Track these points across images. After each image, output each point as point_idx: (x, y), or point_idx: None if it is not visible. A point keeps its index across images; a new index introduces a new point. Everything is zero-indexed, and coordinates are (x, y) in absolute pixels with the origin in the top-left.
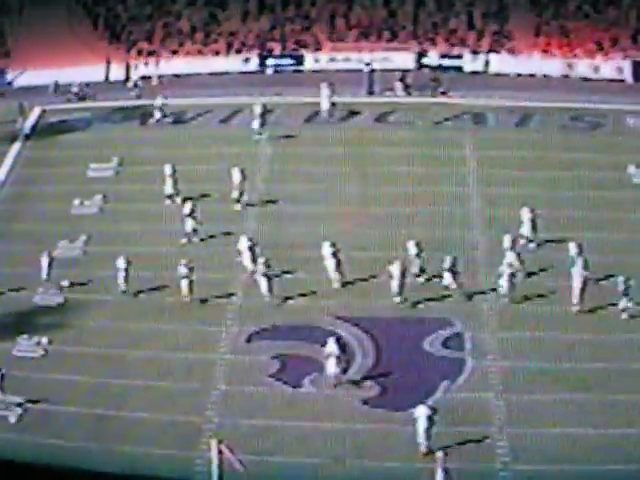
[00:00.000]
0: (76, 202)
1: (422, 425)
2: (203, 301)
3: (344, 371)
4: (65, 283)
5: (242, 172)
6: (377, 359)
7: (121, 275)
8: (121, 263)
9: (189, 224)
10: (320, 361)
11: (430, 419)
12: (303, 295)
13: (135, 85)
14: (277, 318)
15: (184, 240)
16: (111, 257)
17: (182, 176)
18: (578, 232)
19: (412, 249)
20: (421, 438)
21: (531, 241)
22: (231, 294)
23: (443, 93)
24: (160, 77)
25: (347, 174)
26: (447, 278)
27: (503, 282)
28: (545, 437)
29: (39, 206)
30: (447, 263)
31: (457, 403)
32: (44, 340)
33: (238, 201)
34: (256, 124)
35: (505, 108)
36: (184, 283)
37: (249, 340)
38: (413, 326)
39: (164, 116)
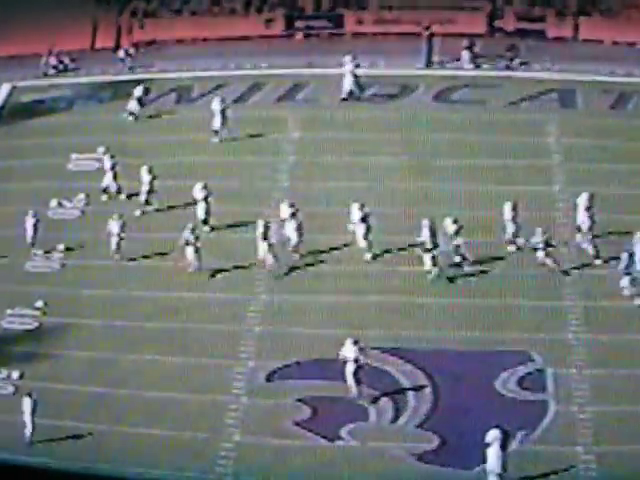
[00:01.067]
0: (53, 203)
1: (494, 452)
2: (212, 328)
3: (396, 417)
4: (39, 303)
5: (151, 170)
6: (435, 403)
7: (114, 241)
8: (114, 227)
9: (201, 210)
10: (362, 406)
11: (504, 446)
12: (335, 321)
13: (127, 54)
14: (304, 351)
15: (206, 228)
16: (95, 271)
17: (185, 169)
18: None
19: (449, 227)
20: (492, 466)
21: (590, 230)
22: (247, 317)
23: (521, 65)
24: (136, 45)
25: (397, 167)
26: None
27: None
28: None
29: (7, 208)
30: (425, 232)
31: (537, 458)
32: (14, 374)
33: (147, 202)
34: (217, 123)
35: (598, 85)
36: (189, 250)
37: (269, 379)
38: (481, 361)
39: (141, 104)
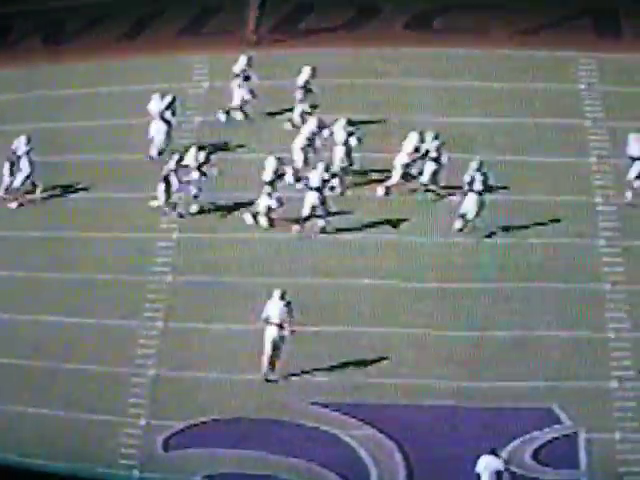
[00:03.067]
0: None
1: None
2: (90, 369)
3: None
4: None
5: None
6: None
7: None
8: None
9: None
10: None
11: (500, 476)
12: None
13: None
14: (218, 404)
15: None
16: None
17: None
18: None
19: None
20: None
21: None
22: (137, 352)
23: None
24: None
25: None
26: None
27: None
28: None
29: None
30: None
31: None
32: None
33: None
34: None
35: None
36: (160, 185)
37: (166, 447)
38: (480, 422)
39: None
